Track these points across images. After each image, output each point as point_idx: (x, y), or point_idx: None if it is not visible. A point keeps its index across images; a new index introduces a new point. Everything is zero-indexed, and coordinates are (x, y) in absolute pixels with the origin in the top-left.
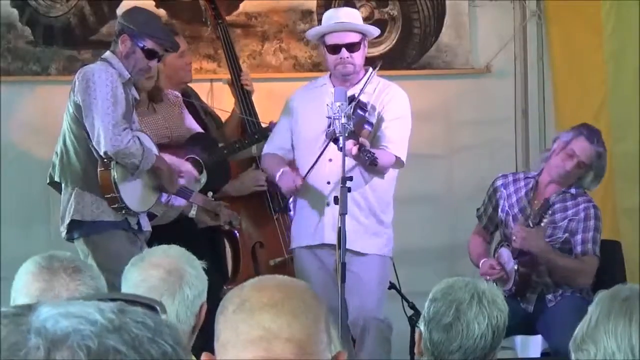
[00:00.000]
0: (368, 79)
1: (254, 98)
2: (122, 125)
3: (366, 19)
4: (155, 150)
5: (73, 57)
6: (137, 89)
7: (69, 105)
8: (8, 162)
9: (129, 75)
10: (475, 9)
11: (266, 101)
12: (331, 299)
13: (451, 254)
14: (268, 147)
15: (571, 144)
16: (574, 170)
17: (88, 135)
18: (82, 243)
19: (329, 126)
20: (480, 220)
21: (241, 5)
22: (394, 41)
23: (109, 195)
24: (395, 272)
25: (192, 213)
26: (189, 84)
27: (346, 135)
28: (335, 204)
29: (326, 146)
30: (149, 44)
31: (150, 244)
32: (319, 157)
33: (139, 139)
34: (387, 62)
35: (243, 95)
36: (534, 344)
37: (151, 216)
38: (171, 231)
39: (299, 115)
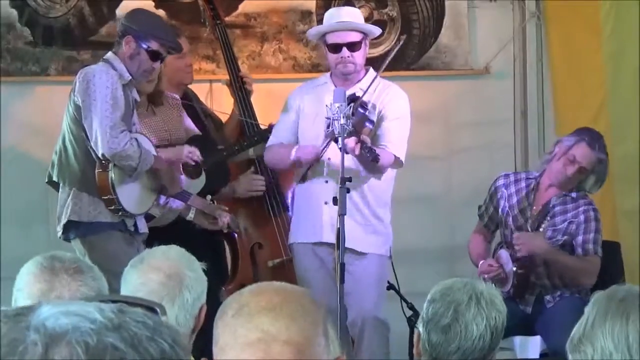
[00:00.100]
0: (374, 78)
1: (253, 98)
2: (120, 127)
3: (365, 20)
4: (153, 151)
5: (72, 58)
6: (138, 91)
7: (69, 105)
8: (8, 163)
9: (130, 77)
10: (474, 10)
11: (265, 102)
12: (331, 299)
13: (450, 255)
14: (274, 140)
15: (572, 150)
16: (574, 175)
17: (87, 136)
18: (78, 243)
19: (328, 127)
20: (481, 218)
21: (240, 6)
22: (393, 42)
23: (106, 197)
24: (394, 272)
25: (191, 216)
26: (189, 86)
27: (345, 135)
28: (334, 204)
29: (327, 146)
30: (153, 45)
31: (150, 244)
32: (322, 151)
33: (137, 141)
34: (383, 62)
35: (242, 97)
36: (533, 344)
37: (149, 217)
38: (171, 231)
39: (300, 112)
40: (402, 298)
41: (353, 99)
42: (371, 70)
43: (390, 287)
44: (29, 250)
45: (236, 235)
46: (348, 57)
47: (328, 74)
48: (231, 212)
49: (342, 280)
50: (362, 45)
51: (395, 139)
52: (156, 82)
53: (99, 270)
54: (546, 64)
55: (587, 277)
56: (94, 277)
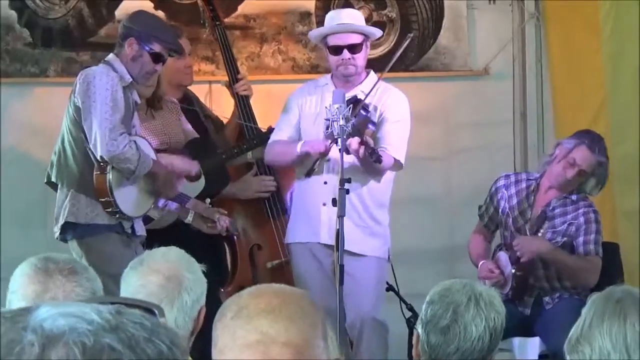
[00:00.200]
0: (377, 82)
1: (252, 100)
2: (119, 130)
3: (365, 21)
4: (153, 155)
5: (71, 59)
6: (138, 94)
7: (69, 106)
8: (7, 163)
9: (131, 79)
10: (473, 11)
11: (265, 103)
12: (328, 300)
13: (449, 256)
14: (276, 136)
15: (573, 153)
16: (574, 178)
17: (86, 137)
18: (75, 245)
19: (327, 128)
20: (481, 218)
21: (239, 7)
22: (392, 43)
23: (104, 199)
24: (394, 274)
25: (189, 219)
26: (189, 87)
27: (345, 136)
28: (334, 205)
29: (331, 145)
30: (156, 47)
31: (150, 245)
32: (329, 149)
33: (136, 144)
34: (385, 64)
35: (240, 98)
36: (532, 346)
37: (148, 220)
38: (170, 233)
39: (301, 113)
40: (401, 299)
41: (354, 101)
42: (372, 72)
43: (390, 288)
44: (29, 251)
45: (235, 236)
46: (349, 59)
47: (329, 75)
48: (231, 213)
49: (341, 282)
50: (363, 47)
51: (395, 142)
52: (155, 86)
53: (93, 271)
54: (545, 65)
55: (589, 276)
56: (89, 278)
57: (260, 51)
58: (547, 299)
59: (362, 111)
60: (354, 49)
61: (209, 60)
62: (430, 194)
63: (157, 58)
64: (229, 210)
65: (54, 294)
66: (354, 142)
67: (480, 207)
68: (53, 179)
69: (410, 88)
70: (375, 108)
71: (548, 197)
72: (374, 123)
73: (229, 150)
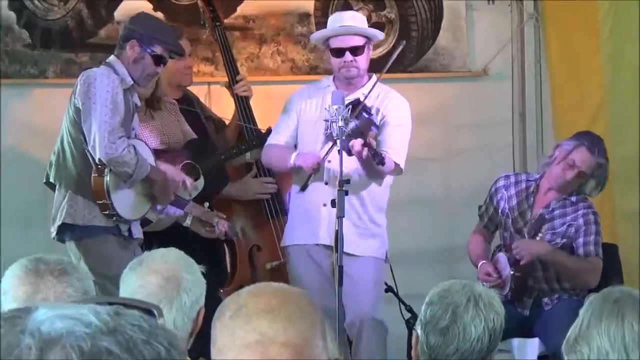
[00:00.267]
0: (375, 83)
1: (251, 101)
2: (119, 133)
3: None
4: (151, 160)
5: (70, 60)
6: (137, 95)
7: (69, 107)
8: (7, 164)
9: (132, 82)
10: (472, 12)
11: (264, 104)
12: (327, 301)
13: (449, 257)
14: (273, 140)
15: (572, 154)
16: (574, 179)
17: (85, 139)
18: (73, 246)
19: (326, 129)
20: (481, 219)
21: (239, 8)
22: (391, 44)
23: (101, 202)
24: (393, 275)
25: (187, 222)
26: (189, 88)
27: (343, 137)
28: (333, 207)
29: (330, 150)
30: (158, 49)
31: (149, 247)
32: (326, 155)
33: (134, 148)
34: (384, 66)
35: (240, 99)
36: (531, 347)
37: (146, 222)
38: (170, 234)
39: (301, 114)
40: (400, 300)
41: (355, 103)
42: (374, 76)
43: (389, 289)
44: (29, 251)
45: (235, 238)
46: (351, 61)
47: (331, 77)
48: (230, 214)
49: (340, 283)
50: (365, 49)
51: (396, 146)
52: (154, 86)
53: (83, 271)
54: (544, 66)
55: (589, 277)
56: (79, 278)
57: (259, 52)
58: (546, 300)
59: (364, 113)
60: (356, 51)
61: (208, 62)
62: (430, 194)
63: (158, 60)
64: (229, 211)
65: (45, 295)
66: (357, 143)
67: (480, 207)
68: (51, 180)
69: (409, 89)
70: (377, 111)
71: (547, 198)
72: (376, 125)
73: (227, 151)
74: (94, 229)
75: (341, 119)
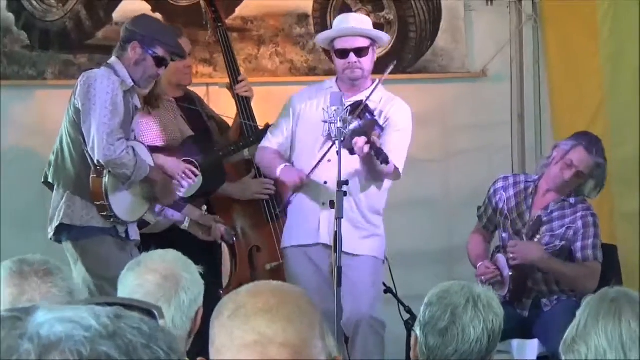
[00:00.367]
0: (376, 86)
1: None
2: (118, 134)
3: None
4: (150, 161)
5: (69, 62)
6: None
7: (69, 108)
8: (6, 165)
9: (133, 83)
10: (471, 13)
11: (262, 105)
12: (325, 303)
13: (448, 258)
14: (267, 142)
15: (570, 154)
16: (572, 179)
17: (84, 140)
18: (70, 247)
19: (326, 130)
20: (480, 219)
21: (237, 10)
22: (390, 45)
23: (99, 203)
24: (392, 275)
25: (185, 225)
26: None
27: (342, 139)
28: (332, 208)
29: (330, 148)
30: (159, 51)
31: (147, 248)
32: (323, 157)
33: (133, 149)
34: (383, 66)
35: (241, 100)
36: (530, 347)
37: (144, 224)
38: (167, 236)
39: (301, 115)
40: (399, 301)
41: (358, 104)
42: (377, 80)
43: (388, 290)
44: (28, 251)
45: (234, 238)
46: (355, 62)
47: (334, 78)
48: (230, 215)
49: (339, 284)
50: (370, 51)
51: (396, 150)
52: (153, 85)
53: (68, 271)
54: (543, 67)
55: (587, 282)
56: (64, 278)
57: (258, 53)
58: (545, 301)
59: (367, 114)
60: (360, 52)
61: (206, 63)
62: (428, 195)
63: (160, 62)
64: (229, 212)
65: (30, 296)
66: (360, 140)
67: (479, 208)
68: (50, 180)
69: (407, 90)
70: (380, 113)
71: (546, 200)
72: (380, 127)
73: (225, 148)
74: (92, 229)
75: (340, 120)
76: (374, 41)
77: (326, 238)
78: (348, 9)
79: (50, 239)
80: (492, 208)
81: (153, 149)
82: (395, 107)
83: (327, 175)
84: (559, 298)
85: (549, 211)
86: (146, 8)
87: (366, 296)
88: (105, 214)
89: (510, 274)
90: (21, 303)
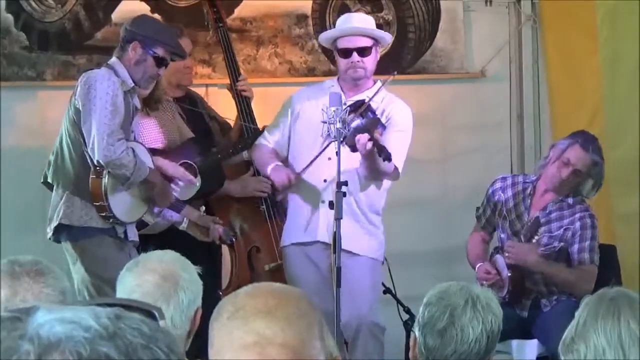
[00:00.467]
0: (380, 87)
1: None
2: (118, 135)
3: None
4: (149, 162)
5: (68, 63)
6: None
7: (69, 108)
8: (5, 166)
9: (133, 84)
10: (470, 14)
11: (261, 106)
12: (324, 302)
13: (447, 258)
14: (263, 140)
15: (566, 153)
16: (569, 178)
17: (84, 140)
18: (70, 247)
19: (326, 131)
20: (479, 220)
21: (236, 10)
22: (389, 46)
23: (98, 203)
24: (391, 276)
25: (183, 226)
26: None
27: (341, 139)
28: (331, 208)
29: (327, 146)
30: (160, 51)
31: (146, 248)
32: (318, 155)
33: (133, 150)
34: (382, 67)
35: (241, 100)
36: (530, 348)
37: (142, 225)
38: (166, 236)
39: (300, 115)
40: (398, 302)
41: (360, 104)
42: (379, 82)
43: (387, 290)
44: (28, 252)
45: (233, 239)
46: (358, 62)
47: (335, 78)
48: (229, 215)
49: (338, 284)
50: (373, 51)
51: (396, 150)
52: (153, 86)
53: (59, 270)
54: (542, 67)
55: (582, 286)
56: (56, 278)
57: (257, 54)
58: (544, 301)
59: (369, 113)
60: (363, 52)
61: (205, 64)
62: (427, 196)
63: (160, 62)
64: (227, 212)
65: (23, 296)
66: (363, 137)
67: (477, 208)
68: (49, 180)
69: (406, 91)
70: (382, 113)
71: (545, 200)
72: (383, 125)
73: (224, 150)
74: (91, 230)
75: (339, 121)
76: (376, 41)
77: (325, 236)
78: (347, 10)
79: (49, 239)
80: (490, 209)
81: (152, 151)
82: (396, 107)
83: (327, 173)
84: (558, 298)
85: (547, 212)
86: (145, 9)
87: (365, 298)
88: (104, 214)
89: (509, 274)
90: (14, 304)
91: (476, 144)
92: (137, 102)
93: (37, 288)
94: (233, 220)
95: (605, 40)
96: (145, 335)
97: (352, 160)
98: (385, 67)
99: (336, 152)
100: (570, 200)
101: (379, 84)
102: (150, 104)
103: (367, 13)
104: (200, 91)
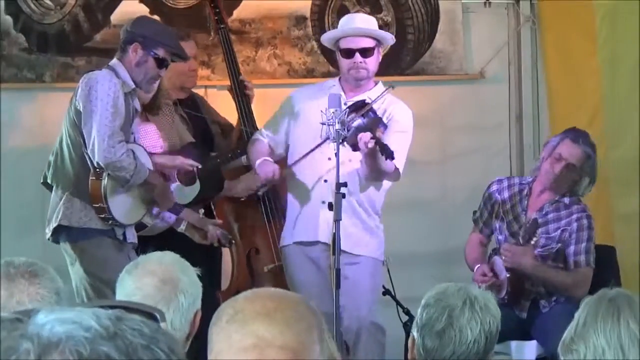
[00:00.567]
0: (383, 92)
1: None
2: (118, 137)
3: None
4: (149, 164)
5: (67, 64)
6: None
7: (70, 109)
8: (5, 167)
9: (134, 85)
10: (469, 15)
11: (260, 107)
12: (324, 303)
13: (446, 259)
14: (259, 135)
15: (557, 148)
16: (563, 172)
17: (84, 141)
18: (68, 248)
19: (326, 132)
20: (476, 224)
21: (235, 12)
22: (388, 47)
23: (97, 205)
24: (390, 277)
25: (182, 228)
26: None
27: (340, 141)
28: (330, 210)
29: (321, 143)
30: (161, 52)
31: (145, 250)
32: (311, 151)
33: (133, 152)
34: (381, 68)
35: (241, 102)
36: (529, 349)
37: (141, 226)
38: (165, 237)
39: (300, 114)
40: (397, 303)
41: (362, 104)
42: (380, 83)
43: (386, 292)
44: (27, 253)
45: (232, 241)
46: (361, 62)
47: (337, 78)
48: (228, 216)
49: (337, 286)
50: (375, 52)
51: (397, 151)
52: (154, 92)
53: (53, 271)
54: (541, 68)
55: (577, 290)
56: (51, 279)
57: (256, 55)
58: (543, 302)
59: (371, 113)
60: (365, 52)
61: (204, 65)
62: (426, 197)
63: (161, 63)
64: (227, 213)
65: (19, 298)
66: (365, 135)
67: (474, 212)
68: (49, 180)
69: (405, 92)
70: (383, 113)
71: (541, 200)
72: (385, 125)
73: (223, 155)
74: (90, 231)
75: (338, 122)
76: (379, 42)
77: (325, 236)
78: (346, 11)
79: (48, 239)
80: (487, 211)
81: (152, 156)
82: (397, 109)
83: (327, 174)
84: (557, 299)
85: (543, 212)
86: (144, 10)
87: (365, 301)
88: (103, 216)
89: (508, 276)
90: (10, 305)
91: (475, 145)
92: (137, 104)
93: (33, 289)
94: (232, 221)
95: (604, 41)
96: (146, 335)
97: (352, 162)
98: (384, 67)
99: (335, 154)
100: (566, 200)
101: (380, 85)
102: (151, 109)
103: (366, 14)
104: (199, 92)
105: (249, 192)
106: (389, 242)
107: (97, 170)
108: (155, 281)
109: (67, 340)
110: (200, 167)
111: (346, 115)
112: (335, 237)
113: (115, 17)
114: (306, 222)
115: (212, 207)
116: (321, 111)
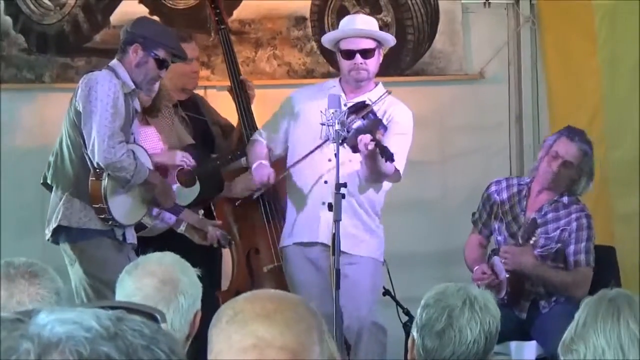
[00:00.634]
0: (383, 94)
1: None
2: (118, 137)
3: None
4: (149, 164)
5: (67, 65)
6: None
7: (70, 109)
8: (4, 167)
9: (134, 86)
10: (468, 15)
11: (260, 108)
12: (325, 304)
13: (446, 259)
14: (258, 135)
15: (554, 147)
16: (560, 170)
17: (84, 142)
18: (68, 248)
19: (325, 133)
20: (475, 225)
21: (235, 12)
22: (388, 47)
23: (97, 205)
24: (390, 278)
25: (182, 229)
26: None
27: (340, 141)
28: (330, 210)
29: (321, 144)
30: (161, 53)
31: (145, 249)
32: (311, 152)
33: (133, 153)
34: (381, 68)
35: (242, 103)
36: (529, 349)
37: (141, 227)
38: (165, 238)
39: (300, 115)
40: (397, 304)
41: (362, 106)
42: (380, 85)
43: (386, 292)
44: (27, 254)
45: (232, 241)
46: (361, 63)
47: (337, 79)
48: (228, 217)
49: (337, 287)
50: (376, 53)
51: (397, 152)
52: (154, 95)
53: (53, 271)
54: (541, 68)
55: (577, 290)
56: (50, 279)
57: (256, 56)
58: (543, 302)
59: (371, 115)
60: (366, 54)
61: (204, 66)
62: (426, 197)
63: (161, 64)
64: (227, 213)
65: (19, 298)
66: (365, 137)
67: (473, 214)
68: (48, 181)
69: (405, 92)
70: (384, 114)
71: (540, 200)
72: (385, 127)
73: (223, 156)
74: (89, 232)
75: (337, 123)
76: (379, 43)
77: (325, 237)
78: (345, 12)
79: (48, 240)
80: (486, 212)
81: (152, 158)
82: (397, 110)
83: (327, 174)
84: (556, 300)
85: (542, 213)
86: (144, 11)
87: (366, 301)
88: (103, 216)
89: (507, 276)
90: (11, 305)
91: (475, 146)
92: (137, 105)
93: (33, 290)
94: (232, 222)
95: (604, 41)
96: (146, 336)
97: (352, 163)
98: (384, 68)
99: (335, 154)
100: (565, 200)
101: (380, 86)
102: (151, 113)
103: (366, 15)
104: (198, 93)
105: (248, 192)
106: (389, 242)
107: (97, 170)
108: (155, 282)
109: (67, 341)
110: (195, 166)
111: (346, 117)
112: (335, 238)
113: (115, 17)
114: (306, 223)
115: (212, 208)
116: (321, 112)
